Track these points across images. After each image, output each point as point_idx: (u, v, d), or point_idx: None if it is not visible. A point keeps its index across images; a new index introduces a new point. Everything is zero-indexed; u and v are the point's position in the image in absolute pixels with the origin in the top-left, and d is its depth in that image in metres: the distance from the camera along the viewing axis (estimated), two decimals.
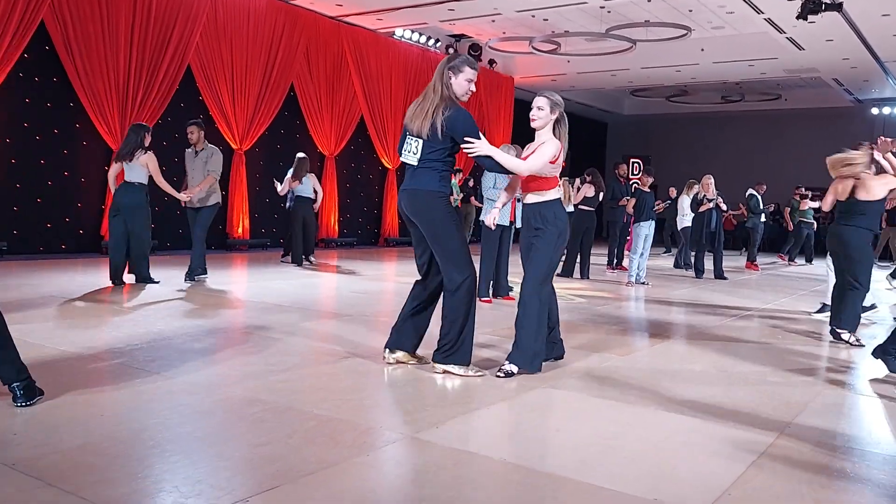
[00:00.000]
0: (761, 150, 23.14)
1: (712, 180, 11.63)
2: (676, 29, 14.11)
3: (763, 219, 14.64)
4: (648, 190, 10.45)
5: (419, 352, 4.52)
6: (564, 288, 9.21)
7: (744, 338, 6.16)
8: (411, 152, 4.25)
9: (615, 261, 12.10)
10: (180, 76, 11.76)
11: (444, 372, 4.25)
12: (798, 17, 11.08)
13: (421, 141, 4.20)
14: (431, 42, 16.82)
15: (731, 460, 3.04)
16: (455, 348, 4.23)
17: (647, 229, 10.09)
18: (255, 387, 3.89)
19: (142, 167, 7.55)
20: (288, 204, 10.94)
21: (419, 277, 4.50)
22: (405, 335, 4.48)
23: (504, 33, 15.85)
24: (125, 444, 2.97)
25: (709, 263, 11.63)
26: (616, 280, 10.57)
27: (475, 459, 2.96)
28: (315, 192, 10.75)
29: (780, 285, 10.84)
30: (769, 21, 13.50)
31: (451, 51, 17.44)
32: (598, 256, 12.29)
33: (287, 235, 11.35)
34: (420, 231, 4.33)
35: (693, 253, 12.05)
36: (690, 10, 13.81)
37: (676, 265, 13.29)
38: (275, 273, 9.72)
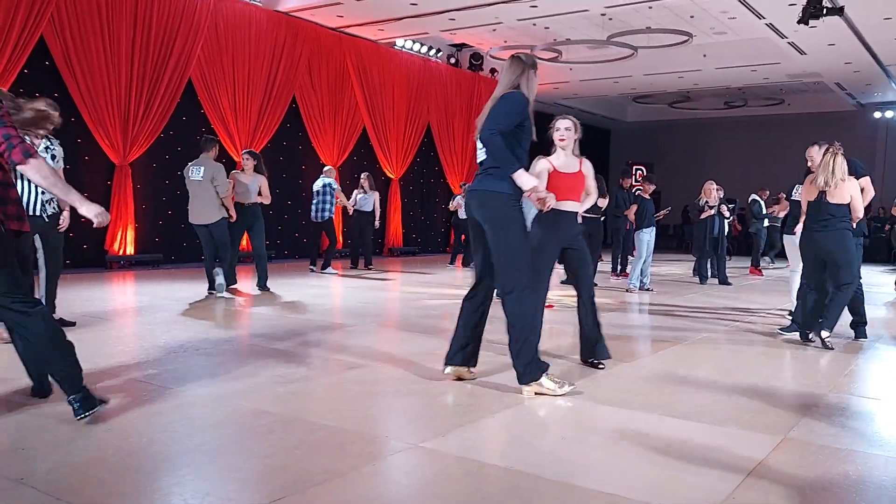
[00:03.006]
0: (765, 155, 23.13)
1: (714, 186, 11.61)
2: (678, 35, 14.14)
3: (767, 224, 14.56)
4: (649, 197, 10.48)
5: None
6: (568, 295, 9.19)
7: (747, 343, 6.15)
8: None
9: (619, 268, 12.13)
10: (181, 89, 11.81)
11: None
12: (799, 22, 11.03)
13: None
14: (433, 52, 16.89)
15: (734, 465, 3.04)
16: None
17: (648, 236, 10.13)
18: (262, 398, 3.90)
19: None
20: (325, 215, 11.56)
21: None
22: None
23: (505, 42, 15.89)
24: (134, 457, 2.98)
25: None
26: (620, 287, 10.57)
27: (482, 468, 2.96)
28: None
29: (783, 290, 10.80)
30: (770, 26, 13.53)
31: (452, 60, 17.52)
32: (603, 263, 12.28)
33: (321, 244, 12.17)
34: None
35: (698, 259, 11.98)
36: (692, 17, 13.85)
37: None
38: (276, 283, 9.74)
